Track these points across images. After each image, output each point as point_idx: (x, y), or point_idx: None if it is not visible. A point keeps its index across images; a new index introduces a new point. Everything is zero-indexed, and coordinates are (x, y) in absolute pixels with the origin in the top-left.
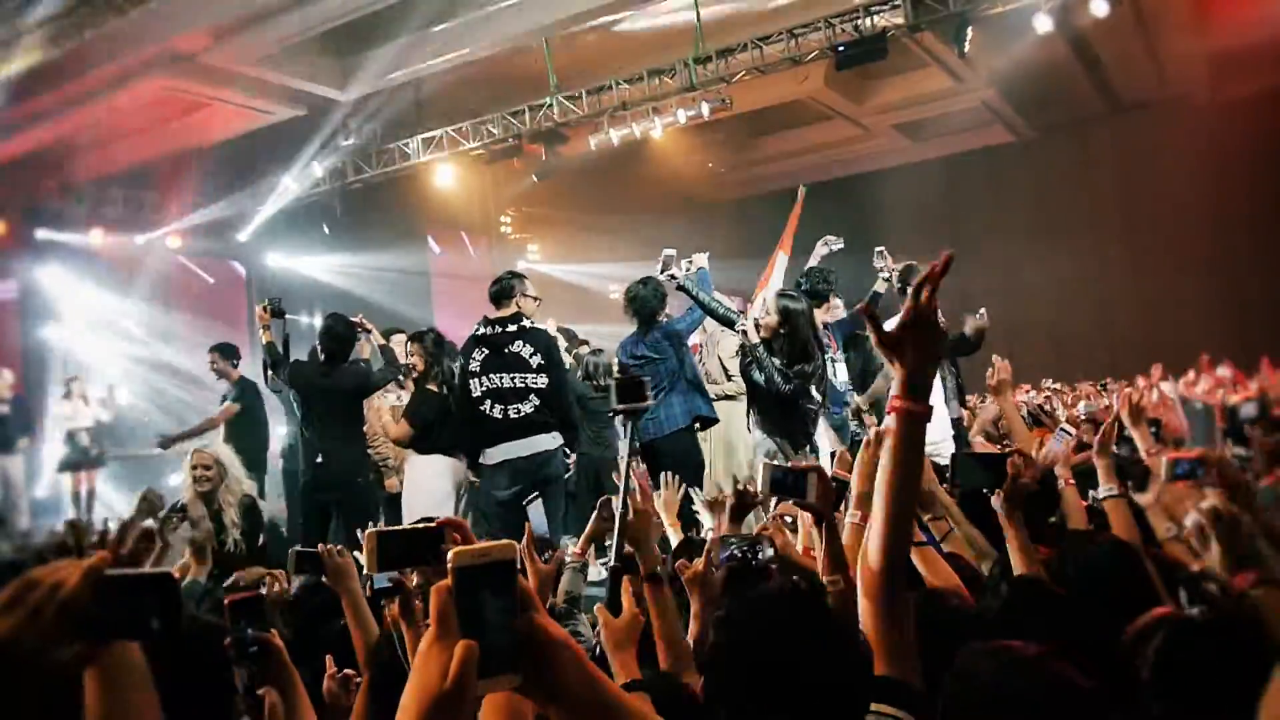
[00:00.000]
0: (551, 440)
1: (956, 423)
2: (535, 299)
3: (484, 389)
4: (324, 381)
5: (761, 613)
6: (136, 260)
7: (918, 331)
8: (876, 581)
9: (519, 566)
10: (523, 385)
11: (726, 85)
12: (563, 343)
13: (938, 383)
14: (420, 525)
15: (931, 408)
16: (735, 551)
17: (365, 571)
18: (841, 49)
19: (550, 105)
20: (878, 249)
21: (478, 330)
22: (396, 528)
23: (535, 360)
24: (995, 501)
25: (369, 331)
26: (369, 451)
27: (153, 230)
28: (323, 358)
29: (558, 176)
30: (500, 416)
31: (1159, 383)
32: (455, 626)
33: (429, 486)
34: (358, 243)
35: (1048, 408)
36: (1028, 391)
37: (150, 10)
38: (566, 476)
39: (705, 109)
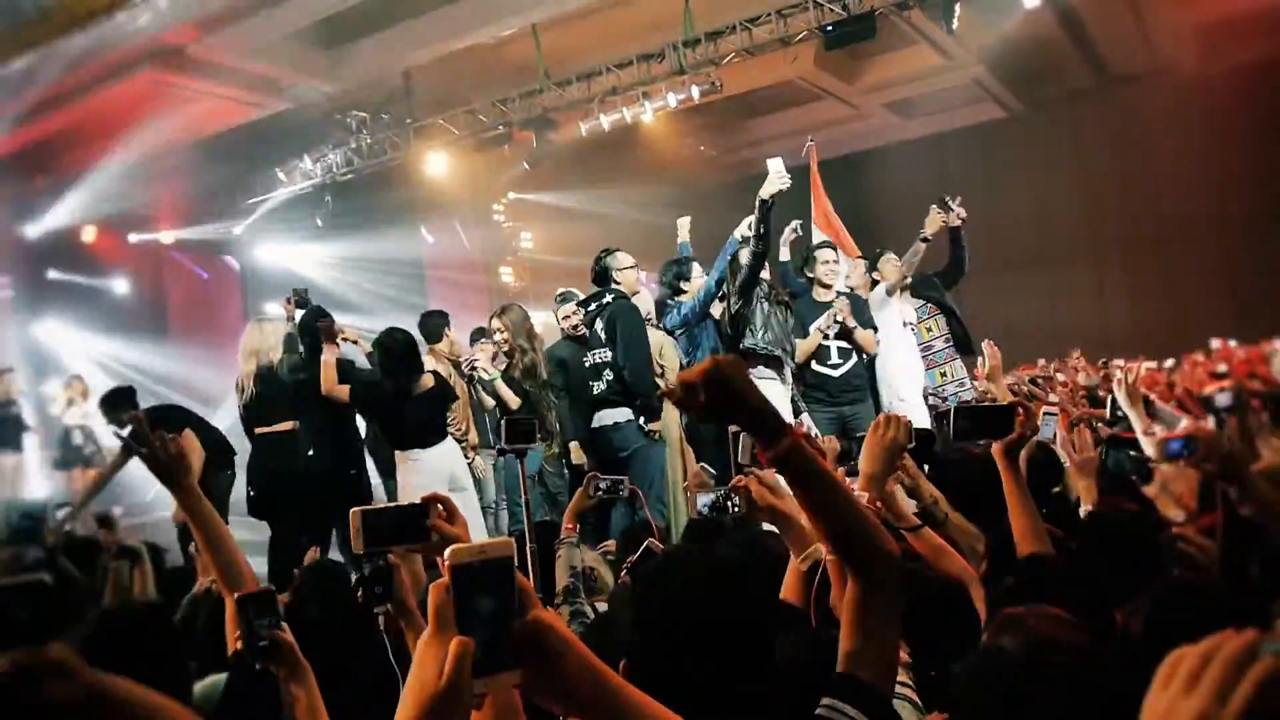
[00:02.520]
0: (613, 415)
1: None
2: (632, 267)
3: (586, 368)
4: (306, 376)
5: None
6: (130, 256)
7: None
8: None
9: (517, 564)
10: (600, 362)
11: (716, 68)
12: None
13: (908, 337)
14: (406, 503)
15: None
16: (709, 503)
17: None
18: (830, 29)
19: (540, 92)
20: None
21: (582, 314)
22: (380, 505)
23: (603, 335)
24: (994, 450)
25: (353, 341)
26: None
27: (145, 225)
28: (304, 353)
29: (549, 163)
30: (591, 394)
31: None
32: (451, 624)
33: (427, 489)
34: (350, 235)
35: (1040, 379)
36: (1020, 372)
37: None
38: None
39: (695, 92)
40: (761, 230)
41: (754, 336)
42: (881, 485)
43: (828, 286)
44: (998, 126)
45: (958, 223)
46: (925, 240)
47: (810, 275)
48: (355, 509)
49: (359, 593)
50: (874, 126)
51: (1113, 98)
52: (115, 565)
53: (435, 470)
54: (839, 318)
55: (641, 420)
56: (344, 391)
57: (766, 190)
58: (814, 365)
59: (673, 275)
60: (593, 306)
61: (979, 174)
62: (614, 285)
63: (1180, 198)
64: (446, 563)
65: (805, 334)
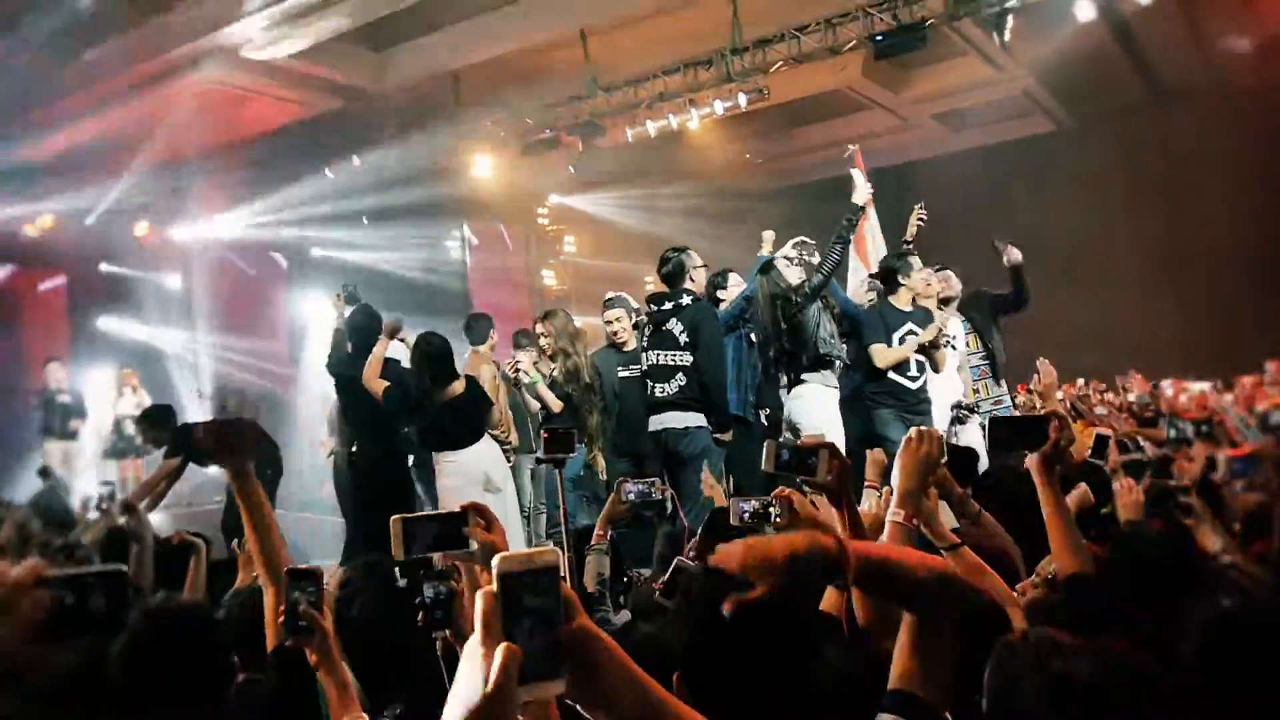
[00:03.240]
0: (684, 418)
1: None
2: (704, 267)
3: (646, 366)
4: (352, 372)
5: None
6: (181, 252)
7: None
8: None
9: (562, 573)
10: (671, 363)
11: (763, 76)
12: None
13: (951, 358)
14: (444, 511)
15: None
16: (749, 510)
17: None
18: (880, 39)
19: (587, 97)
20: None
21: (648, 308)
22: (420, 514)
23: (683, 338)
24: (1030, 461)
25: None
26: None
27: (196, 222)
28: (350, 350)
29: (594, 169)
30: (654, 394)
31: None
32: (499, 631)
33: (462, 490)
34: (396, 234)
35: (1087, 395)
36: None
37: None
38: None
39: (742, 100)
40: (848, 236)
41: (826, 345)
42: (918, 502)
43: (920, 295)
44: (1047, 140)
45: (1016, 262)
46: (907, 244)
47: (903, 282)
48: (395, 516)
49: (419, 615)
50: (921, 137)
51: (1166, 113)
52: (141, 552)
53: (469, 472)
54: (946, 333)
55: (714, 429)
56: (380, 386)
57: (860, 196)
58: (891, 374)
59: (710, 285)
60: (668, 305)
61: (1028, 187)
62: (689, 285)
63: (1233, 215)
64: (495, 570)
65: (882, 340)
